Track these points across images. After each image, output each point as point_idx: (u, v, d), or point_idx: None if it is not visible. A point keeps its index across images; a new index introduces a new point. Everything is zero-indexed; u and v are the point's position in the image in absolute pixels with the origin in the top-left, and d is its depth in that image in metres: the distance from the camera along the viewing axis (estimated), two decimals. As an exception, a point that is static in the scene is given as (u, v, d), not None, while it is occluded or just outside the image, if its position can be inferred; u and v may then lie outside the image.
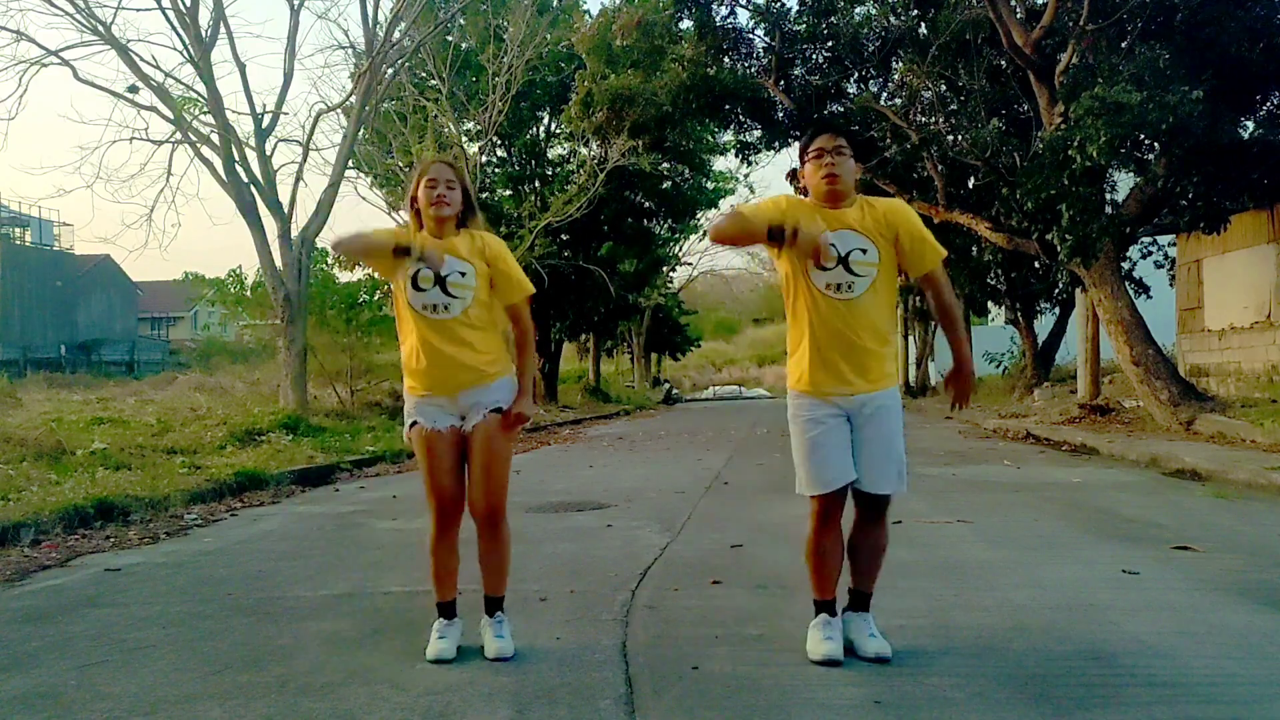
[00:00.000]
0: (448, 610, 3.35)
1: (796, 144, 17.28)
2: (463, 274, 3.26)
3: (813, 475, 3.15)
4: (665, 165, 25.94)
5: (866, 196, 3.25)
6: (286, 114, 64.27)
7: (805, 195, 3.27)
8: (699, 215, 32.61)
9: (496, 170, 25.00)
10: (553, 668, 3.12)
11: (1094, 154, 10.48)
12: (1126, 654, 3.18)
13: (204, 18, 13.10)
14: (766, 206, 3.20)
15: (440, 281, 3.22)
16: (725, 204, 37.42)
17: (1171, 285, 17.35)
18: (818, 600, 3.26)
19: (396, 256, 3.19)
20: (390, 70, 15.32)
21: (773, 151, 17.47)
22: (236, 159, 13.14)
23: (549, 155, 25.68)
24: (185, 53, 13.06)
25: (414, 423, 3.30)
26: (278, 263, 13.17)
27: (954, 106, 15.92)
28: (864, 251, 3.10)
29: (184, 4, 12.84)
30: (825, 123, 3.23)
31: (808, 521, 3.23)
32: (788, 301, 3.25)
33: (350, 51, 19.71)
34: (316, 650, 3.39)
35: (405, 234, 3.31)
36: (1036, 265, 20.52)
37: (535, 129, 25.07)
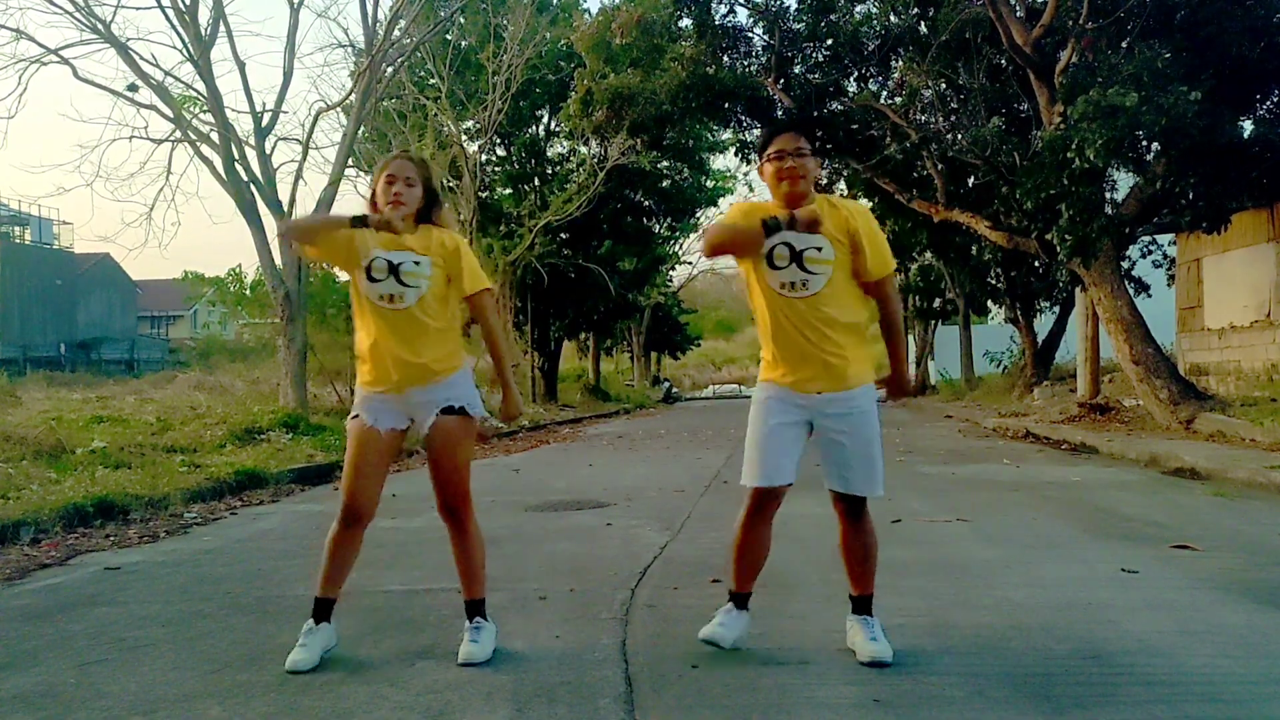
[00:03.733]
0: (322, 610, 3.25)
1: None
2: (416, 263, 3.23)
3: (757, 467, 3.15)
4: (665, 164, 25.97)
5: (828, 196, 3.24)
6: (286, 112, 64.21)
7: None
8: (698, 214, 32.62)
9: (496, 169, 25.00)
10: (552, 666, 3.12)
11: (1091, 157, 10.48)
12: (1125, 653, 3.18)
13: (203, 16, 13.10)
14: (739, 216, 3.20)
15: (394, 270, 3.21)
16: (725, 202, 37.45)
17: (1170, 285, 17.36)
18: (732, 591, 3.26)
19: (354, 226, 3.18)
20: (390, 69, 15.31)
21: (772, 150, 17.45)
22: (236, 157, 13.13)
23: (548, 154, 25.69)
24: (185, 51, 13.05)
25: (356, 415, 3.28)
26: (277, 261, 13.17)
27: (954, 105, 15.91)
28: (819, 249, 3.09)
29: (183, 3, 12.82)
30: (785, 122, 3.28)
31: (740, 512, 3.22)
32: (751, 301, 3.26)
33: (350, 50, 19.74)
34: (316, 649, 3.38)
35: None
36: (1036, 264, 20.53)
37: (535, 128, 25.07)
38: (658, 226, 29.62)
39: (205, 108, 13.31)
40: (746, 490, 3.19)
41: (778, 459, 3.13)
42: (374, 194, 3.30)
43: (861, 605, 3.24)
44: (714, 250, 3.17)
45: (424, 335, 3.24)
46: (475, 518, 3.36)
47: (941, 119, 15.93)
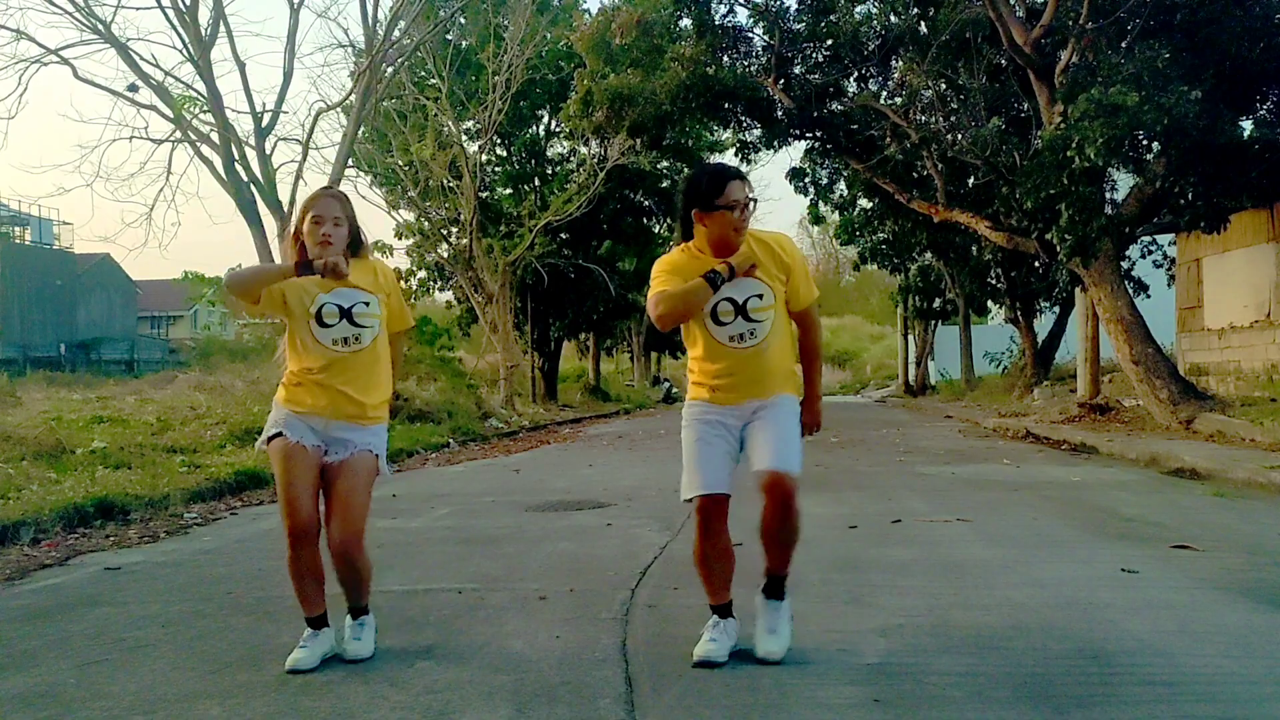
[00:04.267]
0: (316, 622, 3.26)
1: (797, 142, 17.36)
2: (367, 304, 3.25)
3: (697, 478, 3.15)
4: (665, 164, 25.93)
5: (751, 231, 3.19)
6: (286, 112, 64.22)
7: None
8: (698, 214, 32.54)
9: (496, 169, 24.98)
10: (552, 666, 3.12)
11: (1092, 155, 10.48)
12: (1125, 653, 3.18)
13: (204, 16, 13.13)
14: (677, 278, 3.15)
15: (346, 314, 3.21)
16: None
17: (1169, 285, 17.36)
18: (711, 605, 3.26)
19: (300, 275, 3.16)
20: (390, 69, 15.31)
21: (772, 150, 17.48)
22: (236, 158, 13.14)
23: (549, 154, 25.67)
24: (185, 51, 13.08)
25: (277, 434, 3.22)
26: (277, 261, 13.16)
27: (954, 105, 15.91)
28: (760, 297, 3.11)
29: (184, 3, 12.84)
30: (732, 170, 3.24)
31: (693, 530, 3.22)
32: (686, 336, 3.27)
33: (350, 50, 19.71)
34: (316, 649, 3.38)
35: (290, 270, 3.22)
36: (1036, 264, 20.55)
37: (535, 128, 25.05)
38: (658, 226, 29.57)
39: (205, 108, 13.32)
40: (692, 506, 3.19)
41: (714, 468, 3.15)
42: (298, 231, 3.27)
43: (775, 587, 3.22)
44: (670, 323, 3.14)
45: (373, 377, 3.28)
46: (365, 551, 3.31)
47: (941, 119, 15.93)
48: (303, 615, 3.28)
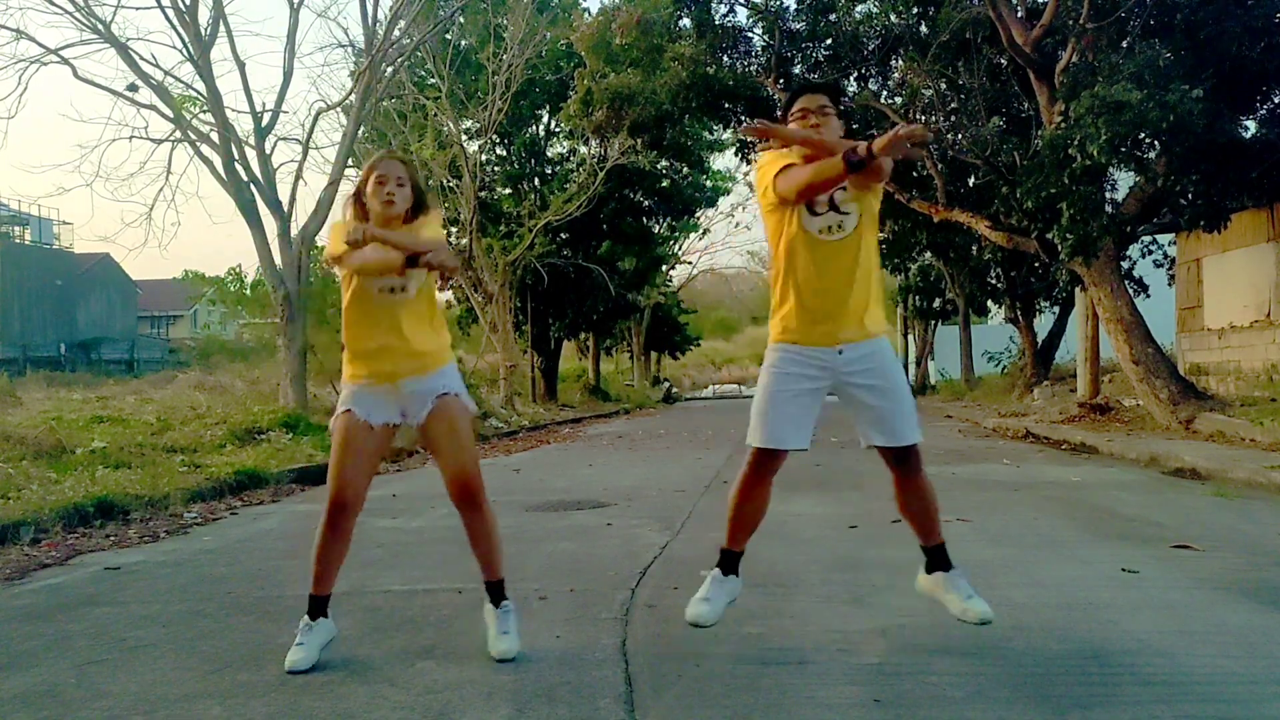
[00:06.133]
0: (318, 607, 3.26)
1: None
2: None
3: (762, 428, 3.11)
4: (664, 163, 25.94)
5: None
6: (286, 112, 64.15)
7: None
8: (698, 213, 32.60)
9: (496, 169, 24.97)
10: (552, 666, 3.12)
11: (1094, 153, 10.47)
12: (1126, 653, 3.18)
13: (203, 16, 13.09)
14: (792, 157, 3.12)
15: None
16: (725, 202, 37.29)
17: (1170, 284, 17.36)
18: (724, 549, 3.23)
19: (409, 267, 3.16)
20: (390, 69, 15.29)
21: (772, 150, 17.48)
22: (236, 157, 13.12)
23: (548, 154, 25.67)
24: (185, 51, 13.05)
25: (346, 410, 3.24)
26: (277, 261, 13.16)
27: (954, 105, 15.91)
28: (844, 189, 3.06)
29: (183, 2, 12.82)
30: (809, 84, 3.40)
31: (741, 470, 3.19)
32: (776, 251, 3.19)
33: (350, 50, 19.71)
34: (316, 649, 3.38)
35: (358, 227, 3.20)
36: (1036, 264, 20.53)
37: (535, 127, 25.05)
38: (657, 226, 29.58)
39: (205, 108, 13.30)
40: (749, 449, 3.17)
41: (783, 424, 3.12)
42: (360, 193, 3.30)
43: (938, 558, 3.23)
44: (799, 196, 3.01)
45: (423, 326, 3.28)
46: (487, 500, 3.34)
47: (941, 119, 15.92)
48: (307, 597, 3.26)
